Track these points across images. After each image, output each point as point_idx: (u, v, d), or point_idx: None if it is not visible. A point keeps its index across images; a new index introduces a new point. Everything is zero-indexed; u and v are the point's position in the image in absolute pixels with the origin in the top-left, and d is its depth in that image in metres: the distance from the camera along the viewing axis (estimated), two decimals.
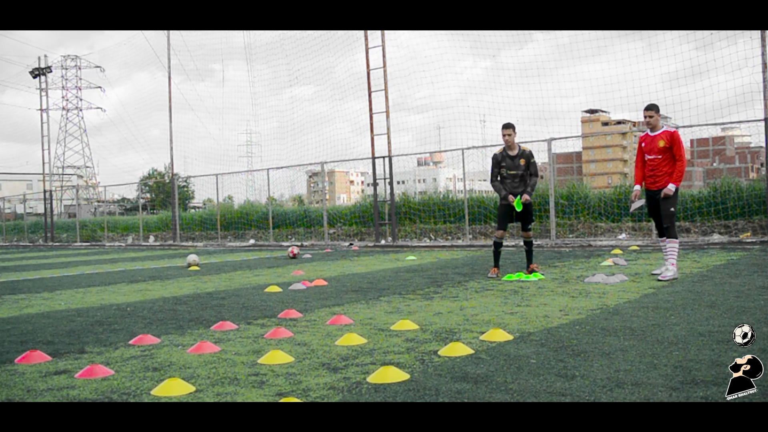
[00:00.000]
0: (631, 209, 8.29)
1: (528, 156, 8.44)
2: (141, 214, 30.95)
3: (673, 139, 7.58)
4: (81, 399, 3.46)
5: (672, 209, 7.63)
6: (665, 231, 7.71)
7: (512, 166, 8.44)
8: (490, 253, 13.23)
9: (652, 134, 7.73)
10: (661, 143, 7.61)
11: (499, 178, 8.53)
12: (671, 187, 7.53)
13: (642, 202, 8.02)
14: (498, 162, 8.50)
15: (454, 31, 16.96)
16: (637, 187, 7.98)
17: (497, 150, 8.60)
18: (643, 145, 7.86)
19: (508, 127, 8.41)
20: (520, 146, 8.47)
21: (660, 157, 7.66)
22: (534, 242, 8.98)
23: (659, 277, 7.51)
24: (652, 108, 7.66)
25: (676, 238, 7.67)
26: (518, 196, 8.41)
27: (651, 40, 15.70)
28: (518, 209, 8.35)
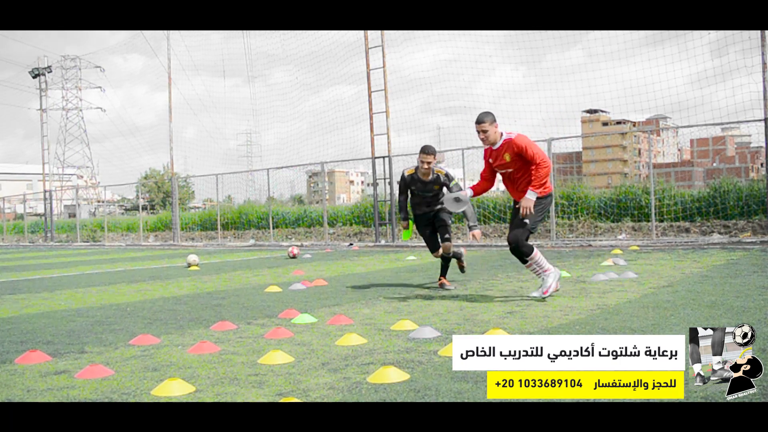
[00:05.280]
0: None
1: (443, 183, 7.40)
2: (141, 214, 30.96)
3: (515, 146, 6.19)
4: (81, 399, 3.47)
5: (525, 220, 6.24)
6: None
7: (423, 190, 7.51)
8: (490, 252, 13.23)
9: (494, 148, 6.37)
10: (507, 157, 6.27)
11: (408, 193, 7.62)
12: (530, 195, 6.16)
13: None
14: (406, 185, 7.55)
15: (464, 31, 16.94)
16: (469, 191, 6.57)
17: (407, 170, 7.52)
18: (490, 160, 6.49)
19: (429, 153, 7.25)
20: (434, 171, 7.36)
21: (512, 170, 6.35)
22: (452, 257, 7.66)
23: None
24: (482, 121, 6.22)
25: (530, 252, 6.29)
26: (406, 229, 7.65)
27: (653, 39, 15.71)
28: (405, 239, 7.78)
